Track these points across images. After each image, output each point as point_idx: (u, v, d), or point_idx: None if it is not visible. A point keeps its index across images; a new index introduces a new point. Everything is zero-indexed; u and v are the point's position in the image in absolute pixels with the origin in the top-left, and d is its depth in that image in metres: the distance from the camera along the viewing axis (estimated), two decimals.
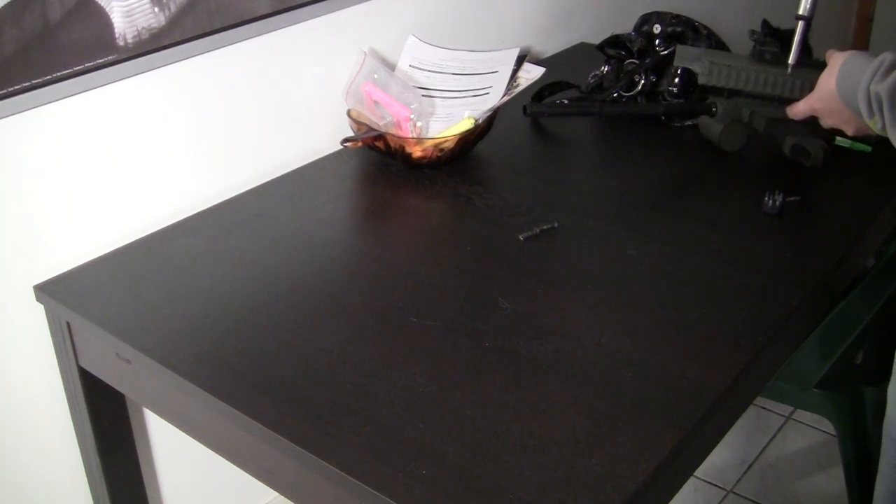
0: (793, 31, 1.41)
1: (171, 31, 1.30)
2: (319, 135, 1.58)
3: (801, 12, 1.38)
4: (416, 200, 1.44)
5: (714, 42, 1.65)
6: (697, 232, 1.31)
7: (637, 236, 1.30)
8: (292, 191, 1.46)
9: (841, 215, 1.38)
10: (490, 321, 1.13)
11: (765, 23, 1.54)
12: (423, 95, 1.56)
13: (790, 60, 1.41)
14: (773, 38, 1.47)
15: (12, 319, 1.25)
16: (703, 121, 1.54)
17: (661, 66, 1.66)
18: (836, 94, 1.26)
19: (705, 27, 1.66)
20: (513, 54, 1.61)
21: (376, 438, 0.95)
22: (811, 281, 1.20)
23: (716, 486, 1.85)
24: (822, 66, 1.31)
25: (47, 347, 1.29)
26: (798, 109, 1.37)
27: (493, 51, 1.64)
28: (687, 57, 1.50)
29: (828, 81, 1.28)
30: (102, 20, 1.22)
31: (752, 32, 1.50)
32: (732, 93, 1.49)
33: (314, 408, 1.00)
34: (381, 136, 1.47)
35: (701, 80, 1.47)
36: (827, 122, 1.34)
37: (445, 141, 1.46)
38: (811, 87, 1.34)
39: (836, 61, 1.26)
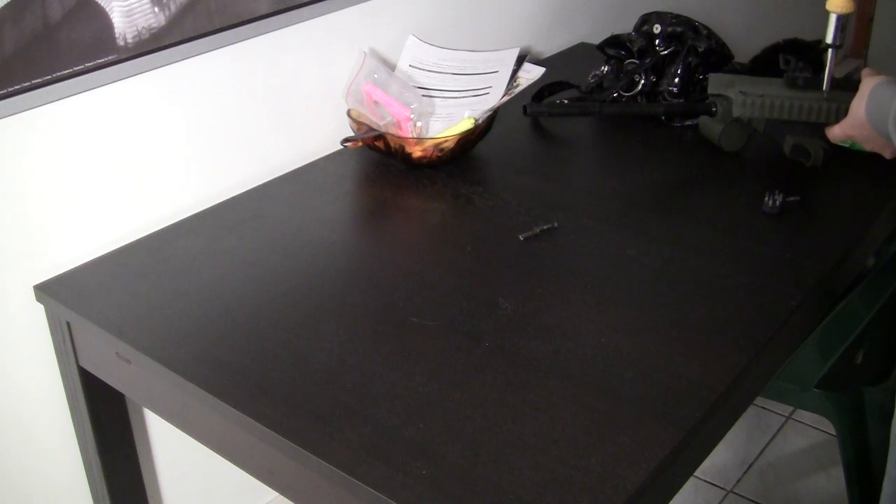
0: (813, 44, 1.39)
1: (171, 31, 1.30)
2: (319, 135, 1.58)
3: (829, 41, 1.36)
4: (416, 200, 1.44)
5: (714, 42, 1.65)
6: (697, 232, 1.31)
7: (637, 236, 1.30)
8: (292, 191, 1.46)
9: (841, 215, 1.38)
10: (490, 321, 1.13)
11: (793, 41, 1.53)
12: (423, 95, 1.56)
13: (823, 89, 1.40)
14: (804, 63, 1.46)
15: (12, 319, 1.25)
16: (703, 121, 1.54)
17: (661, 66, 1.66)
18: (866, 122, 1.26)
19: (705, 27, 1.66)
20: (513, 54, 1.61)
21: (376, 438, 0.95)
22: (811, 281, 1.20)
23: (716, 486, 1.85)
24: (856, 86, 1.31)
25: (47, 347, 1.29)
26: (834, 134, 1.37)
27: (493, 51, 1.64)
28: (721, 85, 1.49)
29: (858, 109, 1.28)
30: (102, 20, 1.22)
31: (787, 61, 1.50)
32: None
33: (314, 408, 1.00)
34: (381, 136, 1.47)
35: (736, 113, 1.47)
36: (866, 147, 1.34)
37: (445, 141, 1.46)
38: (846, 111, 1.33)
39: (866, 87, 1.26)
